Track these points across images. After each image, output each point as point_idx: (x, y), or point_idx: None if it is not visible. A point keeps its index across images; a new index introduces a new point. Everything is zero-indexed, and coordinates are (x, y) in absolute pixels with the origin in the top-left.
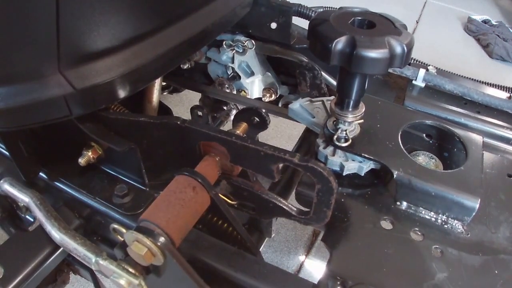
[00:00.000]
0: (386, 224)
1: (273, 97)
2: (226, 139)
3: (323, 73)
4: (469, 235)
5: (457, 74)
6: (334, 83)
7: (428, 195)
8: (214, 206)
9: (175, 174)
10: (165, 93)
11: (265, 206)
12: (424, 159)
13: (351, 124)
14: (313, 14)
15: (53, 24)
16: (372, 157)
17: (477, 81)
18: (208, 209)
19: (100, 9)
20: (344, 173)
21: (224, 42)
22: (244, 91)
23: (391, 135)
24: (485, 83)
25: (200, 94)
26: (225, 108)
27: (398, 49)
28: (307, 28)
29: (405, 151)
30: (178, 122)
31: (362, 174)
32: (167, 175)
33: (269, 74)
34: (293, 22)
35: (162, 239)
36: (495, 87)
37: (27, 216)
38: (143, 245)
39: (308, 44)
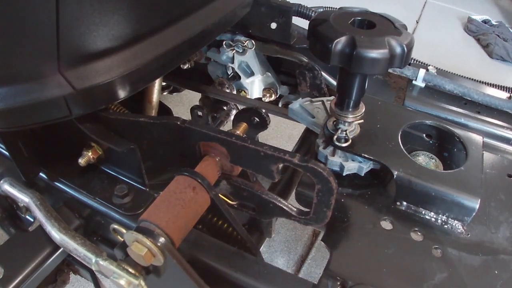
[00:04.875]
0: (386, 224)
1: (273, 97)
2: (226, 139)
3: (323, 73)
4: (469, 235)
5: (457, 74)
6: (334, 83)
7: (428, 195)
8: (214, 206)
9: (175, 174)
10: (165, 93)
11: (265, 206)
12: (424, 159)
13: (351, 124)
14: (313, 14)
15: (53, 24)
16: (372, 157)
17: (477, 81)
18: (208, 209)
19: (99, 10)
20: (344, 173)
21: (224, 42)
22: (244, 91)
23: (391, 135)
24: (485, 83)
25: (200, 94)
26: (225, 108)
27: (398, 49)
28: (307, 28)
29: (405, 151)
30: (178, 122)
31: (362, 174)
32: (167, 175)
33: (269, 74)
34: (293, 22)
35: (162, 239)
36: (495, 87)
37: (27, 216)
38: (143, 245)
39: (308, 44)
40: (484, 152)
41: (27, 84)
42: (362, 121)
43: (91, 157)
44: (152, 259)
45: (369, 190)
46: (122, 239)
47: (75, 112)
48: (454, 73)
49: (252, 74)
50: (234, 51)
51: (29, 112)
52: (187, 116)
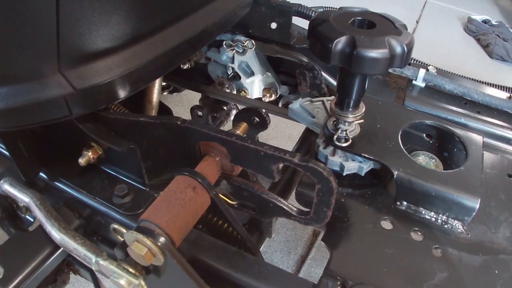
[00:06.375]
0: (386, 224)
1: (273, 97)
2: (226, 139)
3: (323, 73)
4: (469, 235)
5: (457, 74)
6: (334, 83)
7: (428, 195)
8: (214, 206)
9: (175, 174)
10: (165, 93)
11: (265, 206)
12: (424, 159)
13: (351, 124)
14: (313, 14)
15: (53, 24)
16: (372, 157)
17: (477, 81)
18: (208, 209)
19: (100, 10)
20: (344, 173)
21: (224, 42)
22: (244, 91)
23: (391, 135)
24: (485, 83)
25: (200, 94)
26: (225, 108)
27: (398, 49)
28: (307, 28)
29: (405, 151)
30: (178, 122)
31: (362, 174)
32: (167, 175)
33: (269, 74)
34: (293, 22)
35: (162, 239)
36: (495, 87)
37: (27, 216)
38: (143, 245)
39: (308, 44)
40: (484, 152)
41: (27, 84)
42: (362, 121)
43: (91, 157)
44: (152, 259)
45: (369, 190)
46: (122, 239)
47: (75, 112)
48: (454, 73)
49: (252, 74)
50: (234, 51)
51: (29, 112)
52: (187, 116)
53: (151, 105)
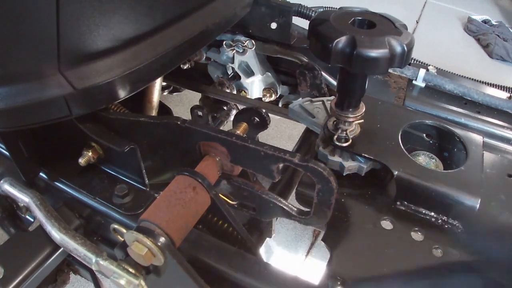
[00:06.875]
0: (386, 224)
1: (273, 97)
2: (226, 139)
3: (323, 73)
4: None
5: (457, 74)
6: (334, 83)
7: (428, 195)
8: (214, 206)
9: (175, 174)
10: (165, 93)
11: (265, 206)
12: (424, 159)
13: (351, 124)
14: (313, 14)
15: (53, 24)
16: (372, 157)
17: (477, 81)
18: (208, 209)
19: (100, 10)
20: (344, 173)
21: (224, 42)
22: (244, 91)
23: (391, 135)
24: (485, 83)
25: (200, 94)
26: (225, 108)
27: (398, 49)
28: (307, 28)
29: (405, 151)
30: (178, 122)
31: (362, 174)
32: (167, 175)
33: (269, 74)
34: (293, 22)
35: (162, 239)
36: (495, 87)
37: (27, 216)
38: (144, 245)
39: (308, 44)
40: (484, 152)
41: (28, 84)
42: (362, 121)
43: (91, 157)
44: (152, 259)
45: (369, 190)
46: (122, 239)
47: (75, 112)
48: (454, 73)
49: (252, 74)
50: (234, 51)
51: (29, 112)
52: (187, 116)
53: (151, 105)
